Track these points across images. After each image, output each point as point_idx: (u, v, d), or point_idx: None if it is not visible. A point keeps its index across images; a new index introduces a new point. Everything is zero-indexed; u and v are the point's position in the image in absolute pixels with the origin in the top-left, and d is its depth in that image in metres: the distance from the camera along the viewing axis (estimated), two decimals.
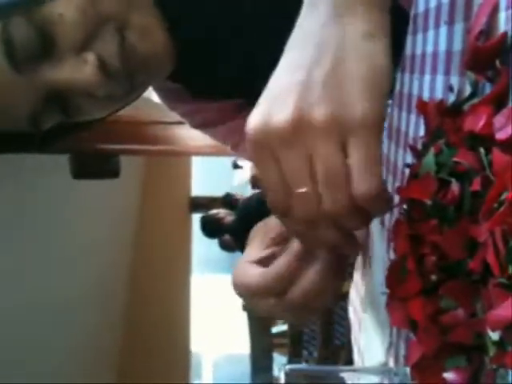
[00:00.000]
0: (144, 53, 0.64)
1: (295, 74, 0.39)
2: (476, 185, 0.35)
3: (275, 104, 0.39)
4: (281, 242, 0.54)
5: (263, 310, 0.53)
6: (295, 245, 0.50)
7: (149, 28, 0.65)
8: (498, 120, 0.33)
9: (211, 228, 3.78)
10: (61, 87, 0.62)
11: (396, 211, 0.60)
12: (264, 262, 0.53)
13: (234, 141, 0.88)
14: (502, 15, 0.35)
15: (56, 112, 0.66)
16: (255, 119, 0.40)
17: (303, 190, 0.39)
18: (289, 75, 0.39)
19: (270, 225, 0.55)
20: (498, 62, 0.35)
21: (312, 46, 0.39)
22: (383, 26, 0.39)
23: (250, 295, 0.53)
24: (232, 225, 3.37)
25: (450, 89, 0.45)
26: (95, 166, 1.33)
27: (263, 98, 0.41)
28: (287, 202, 0.41)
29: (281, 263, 0.50)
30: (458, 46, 0.44)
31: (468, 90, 0.41)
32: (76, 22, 0.60)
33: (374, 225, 0.73)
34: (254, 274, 0.52)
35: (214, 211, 3.81)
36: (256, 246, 0.56)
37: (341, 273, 0.52)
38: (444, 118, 0.43)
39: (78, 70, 0.61)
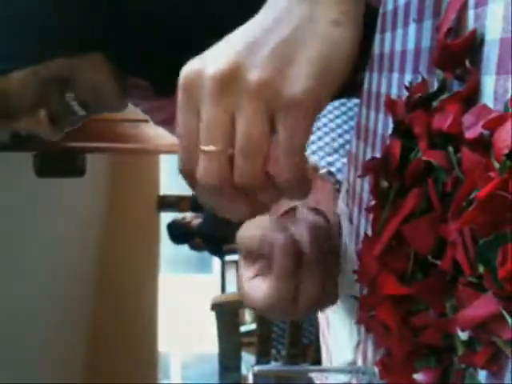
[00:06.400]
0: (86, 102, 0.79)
1: (248, 32, 0.36)
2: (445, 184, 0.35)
3: (216, 54, 0.36)
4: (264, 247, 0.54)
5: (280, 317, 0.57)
6: (276, 264, 0.50)
7: (91, 83, 0.78)
8: (467, 119, 0.32)
9: (179, 233, 3.76)
10: (24, 133, 0.80)
11: (362, 209, 0.60)
12: (260, 272, 0.54)
13: None
14: (471, 13, 0.35)
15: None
16: (190, 65, 0.37)
17: (212, 148, 0.36)
18: (240, 34, 0.37)
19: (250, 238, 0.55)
20: (467, 62, 0.35)
21: (277, 14, 0.36)
22: (353, 15, 0.37)
23: (263, 311, 0.54)
24: (200, 227, 3.36)
25: None
26: (60, 164, 1.30)
27: (210, 48, 0.37)
28: (193, 162, 0.37)
29: (277, 286, 0.50)
30: (426, 43, 0.44)
31: None
32: (22, 93, 0.74)
33: (343, 221, 0.73)
34: (260, 295, 0.52)
35: (180, 216, 3.79)
36: (246, 266, 0.56)
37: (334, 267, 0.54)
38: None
39: (35, 126, 0.78)
